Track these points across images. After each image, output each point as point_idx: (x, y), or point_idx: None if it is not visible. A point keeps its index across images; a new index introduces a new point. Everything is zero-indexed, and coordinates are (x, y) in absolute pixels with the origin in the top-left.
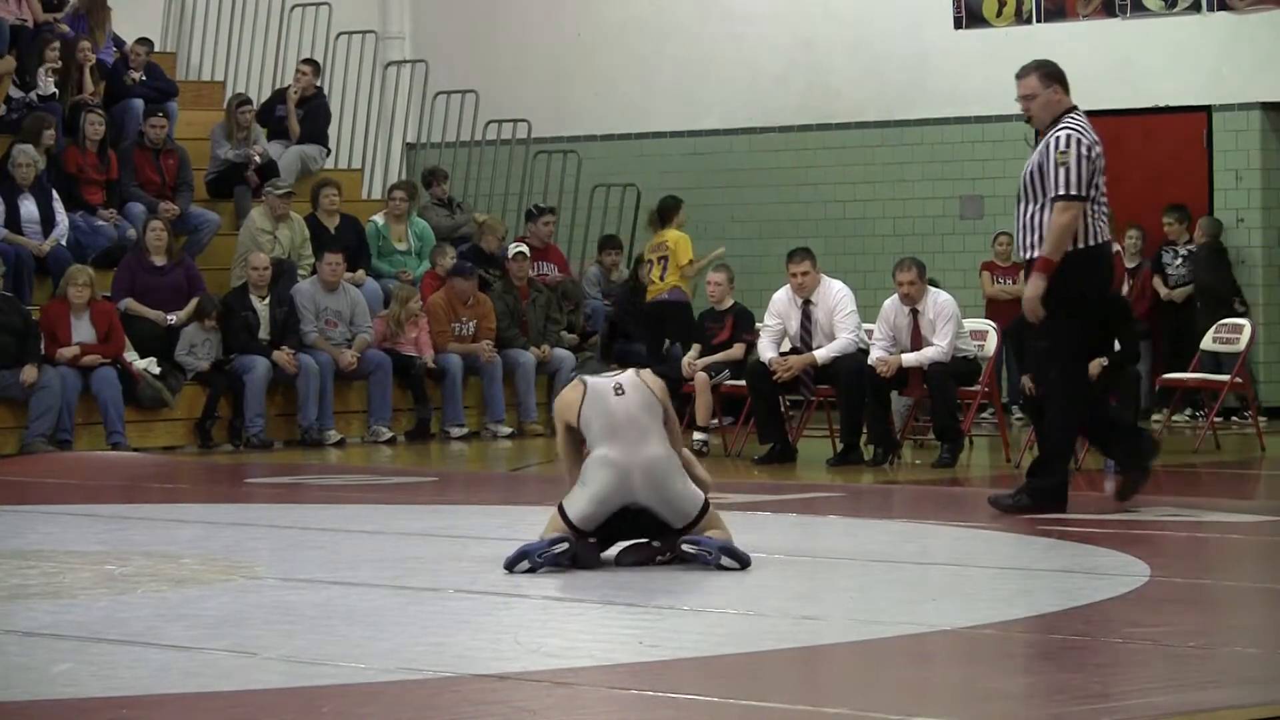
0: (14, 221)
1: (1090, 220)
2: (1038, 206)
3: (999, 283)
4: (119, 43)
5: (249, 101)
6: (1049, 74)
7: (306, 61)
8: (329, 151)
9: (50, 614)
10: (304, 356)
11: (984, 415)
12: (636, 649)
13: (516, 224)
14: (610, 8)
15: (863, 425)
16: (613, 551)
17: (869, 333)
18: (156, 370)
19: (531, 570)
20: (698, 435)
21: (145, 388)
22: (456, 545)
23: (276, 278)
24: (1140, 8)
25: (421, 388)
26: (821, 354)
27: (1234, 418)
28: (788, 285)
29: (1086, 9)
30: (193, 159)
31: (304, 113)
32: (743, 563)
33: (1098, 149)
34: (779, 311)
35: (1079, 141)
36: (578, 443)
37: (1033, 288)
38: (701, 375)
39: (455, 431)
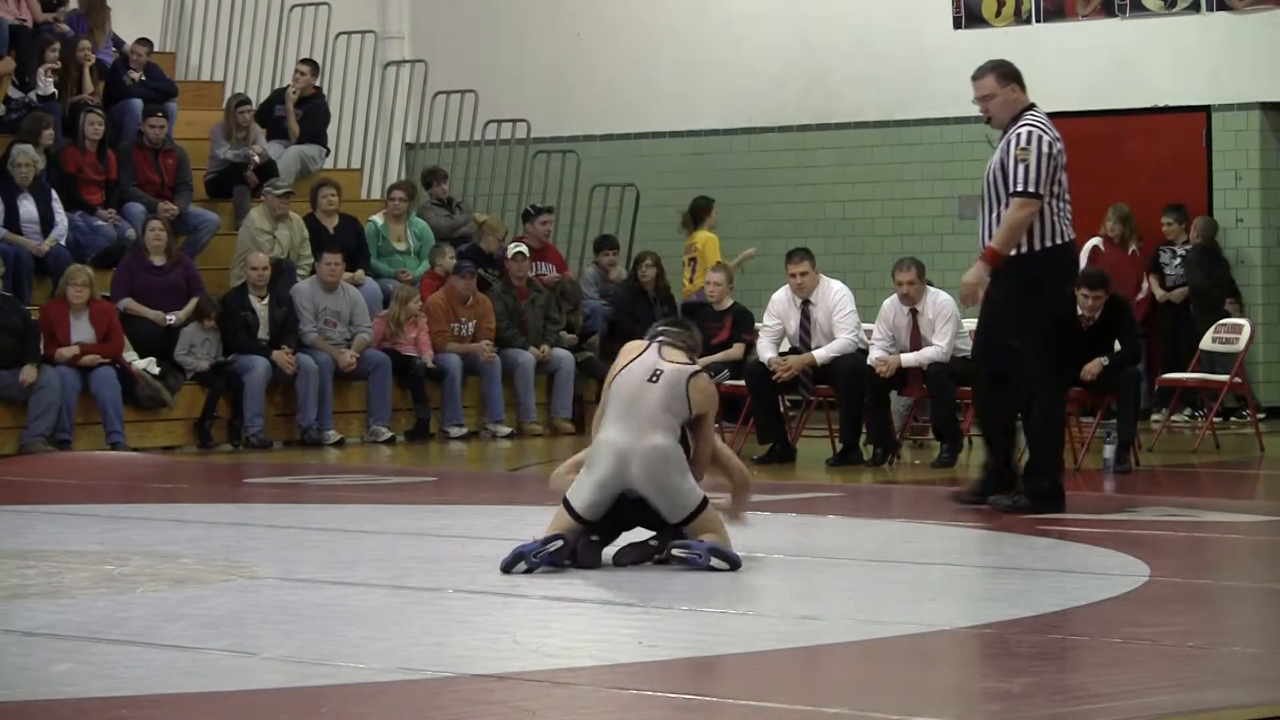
0: (13, 221)
1: (1054, 218)
2: (1004, 207)
3: None
4: (118, 43)
5: (248, 101)
6: (1005, 73)
7: (306, 61)
8: (328, 151)
9: (49, 614)
10: (303, 356)
11: None
12: (635, 649)
13: (516, 224)
14: (610, 8)
15: (862, 425)
16: (610, 551)
17: (868, 333)
18: (156, 370)
19: (529, 571)
20: None
21: (144, 388)
22: (455, 545)
23: (276, 278)
24: (1140, 8)
25: (421, 388)
26: (821, 354)
27: (1233, 418)
28: (787, 285)
29: (1086, 9)
30: (192, 159)
31: (303, 113)
32: (732, 564)
33: (1059, 145)
34: (778, 311)
35: (1040, 139)
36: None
37: (974, 274)
38: None
39: (454, 431)
